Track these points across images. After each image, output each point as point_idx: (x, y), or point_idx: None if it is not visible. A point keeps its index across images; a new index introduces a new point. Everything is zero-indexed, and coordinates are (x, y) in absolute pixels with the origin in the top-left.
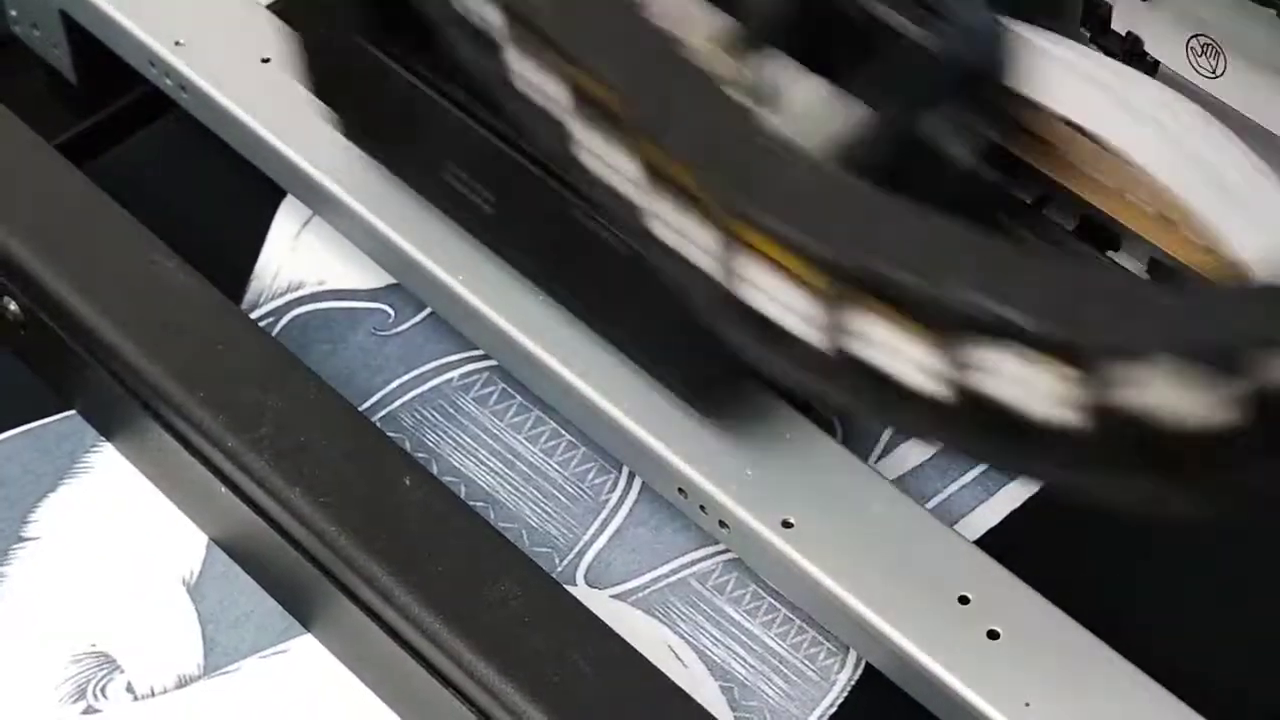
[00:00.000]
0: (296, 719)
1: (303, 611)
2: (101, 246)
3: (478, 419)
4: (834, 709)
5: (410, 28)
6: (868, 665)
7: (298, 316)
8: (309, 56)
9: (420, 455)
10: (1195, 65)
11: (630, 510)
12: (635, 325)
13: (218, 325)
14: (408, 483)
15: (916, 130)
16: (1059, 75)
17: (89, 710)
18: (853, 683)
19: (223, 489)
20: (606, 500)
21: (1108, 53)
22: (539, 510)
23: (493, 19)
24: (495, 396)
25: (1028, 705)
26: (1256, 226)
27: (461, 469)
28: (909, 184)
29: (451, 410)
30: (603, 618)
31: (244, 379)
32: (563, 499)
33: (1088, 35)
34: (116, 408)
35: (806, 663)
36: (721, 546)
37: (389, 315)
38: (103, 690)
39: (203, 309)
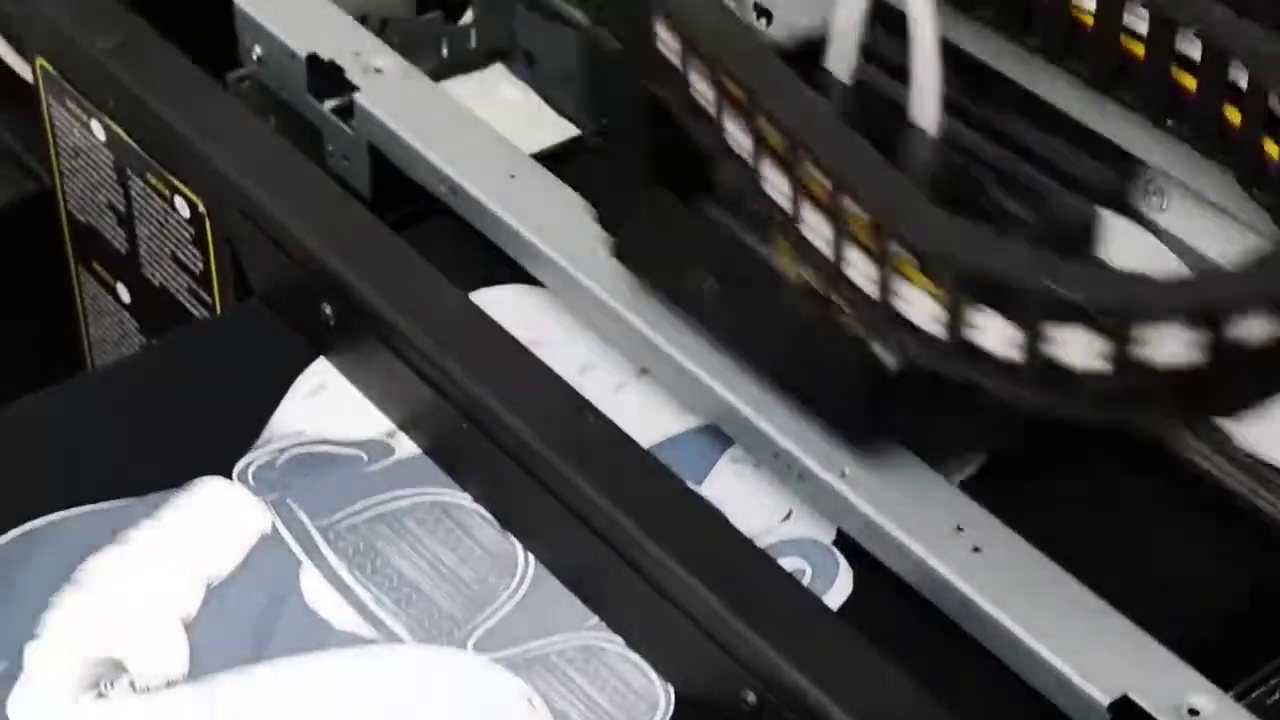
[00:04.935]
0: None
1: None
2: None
3: (415, 531)
4: None
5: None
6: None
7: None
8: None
9: (369, 553)
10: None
11: (516, 604)
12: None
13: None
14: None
15: None
16: None
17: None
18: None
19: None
20: (499, 596)
21: None
22: (449, 598)
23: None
24: (432, 520)
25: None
26: None
27: (399, 567)
28: None
29: (398, 525)
30: (477, 671)
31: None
32: (468, 592)
33: None
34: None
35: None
36: (576, 634)
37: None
38: (111, 684)
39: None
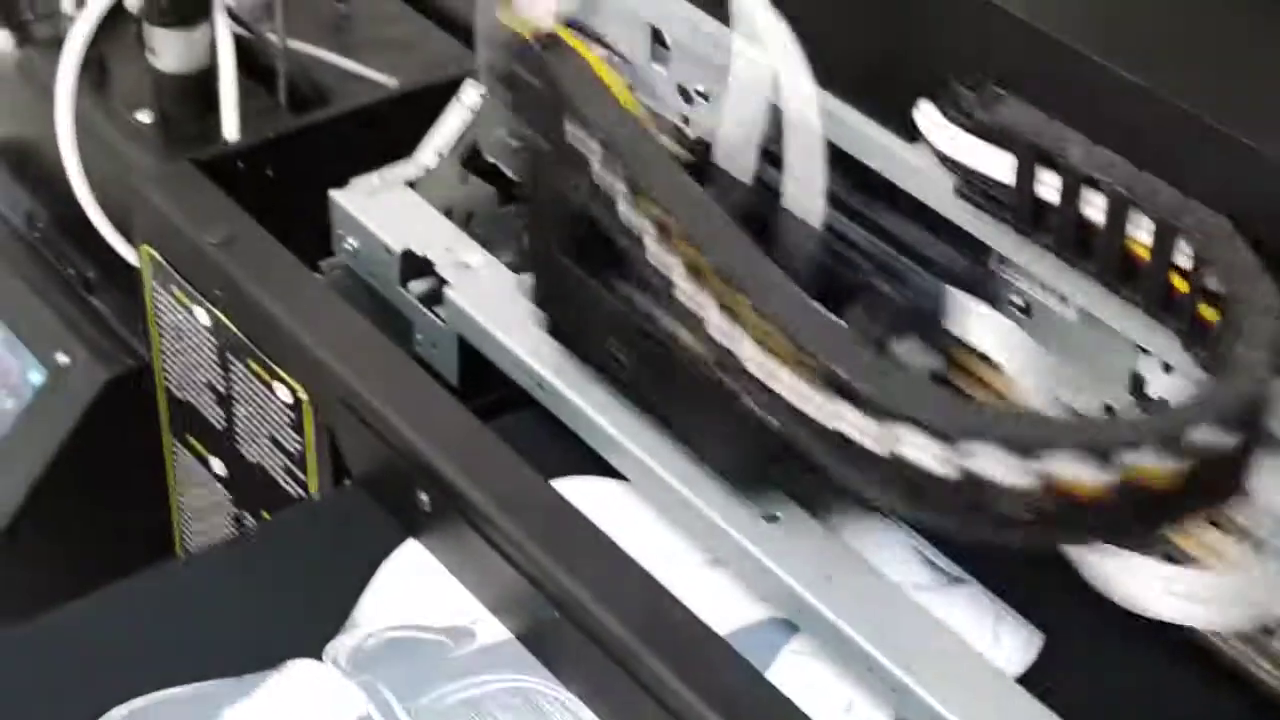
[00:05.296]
0: None
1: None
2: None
3: (497, 715)
4: None
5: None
6: None
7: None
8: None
9: None
10: None
11: None
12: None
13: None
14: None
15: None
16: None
17: None
18: None
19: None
20: None
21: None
22: None
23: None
24: (515, 705)
25: None
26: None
27: None
28: None
29: (481, 709)
30: None
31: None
32: None
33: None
34: None
35: None
36: None
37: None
38: None
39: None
